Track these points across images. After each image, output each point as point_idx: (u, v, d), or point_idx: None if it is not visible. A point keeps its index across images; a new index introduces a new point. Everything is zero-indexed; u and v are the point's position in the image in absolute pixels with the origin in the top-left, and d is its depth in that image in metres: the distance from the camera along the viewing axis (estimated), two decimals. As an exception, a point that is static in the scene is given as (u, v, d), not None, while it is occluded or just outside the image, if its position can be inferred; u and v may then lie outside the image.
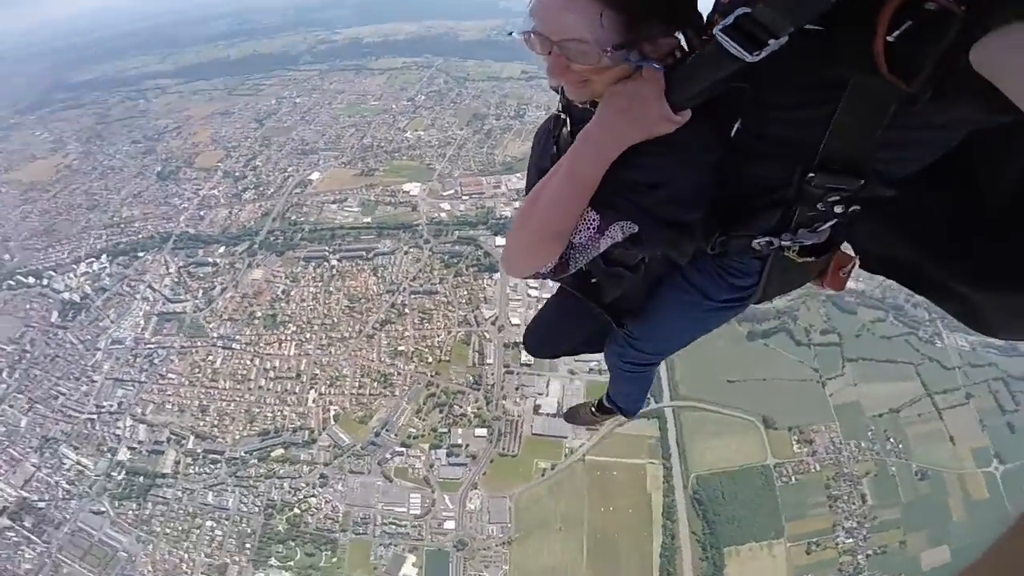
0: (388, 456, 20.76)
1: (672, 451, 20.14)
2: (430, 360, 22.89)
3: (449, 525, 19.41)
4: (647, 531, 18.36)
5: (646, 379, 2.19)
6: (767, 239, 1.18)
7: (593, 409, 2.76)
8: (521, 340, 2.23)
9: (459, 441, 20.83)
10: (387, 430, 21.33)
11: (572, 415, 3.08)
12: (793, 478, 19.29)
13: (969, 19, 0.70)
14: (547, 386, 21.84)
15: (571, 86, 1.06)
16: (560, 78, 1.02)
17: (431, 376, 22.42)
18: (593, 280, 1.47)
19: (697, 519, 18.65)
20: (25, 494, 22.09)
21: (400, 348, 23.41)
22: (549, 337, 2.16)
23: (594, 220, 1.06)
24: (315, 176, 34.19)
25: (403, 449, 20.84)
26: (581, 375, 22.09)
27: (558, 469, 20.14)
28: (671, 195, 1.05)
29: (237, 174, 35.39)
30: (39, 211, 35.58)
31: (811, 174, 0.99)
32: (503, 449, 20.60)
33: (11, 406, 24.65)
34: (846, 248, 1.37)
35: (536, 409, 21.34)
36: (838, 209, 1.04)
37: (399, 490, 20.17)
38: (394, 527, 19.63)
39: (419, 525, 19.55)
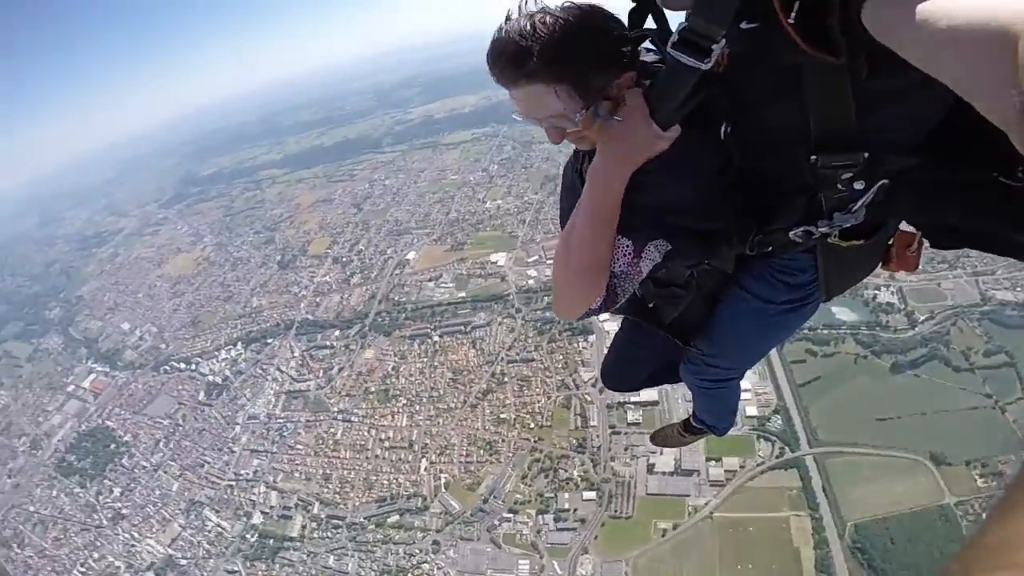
0: (496, 522, 24.70)
1: (820, 501, 21.15)
2: (532, 426, 27.31)
3: None
4: (797, 587, 19.32)
5: (731, 394, 2.51)
6: (803, 229, 1.36)
7: (680, 429, 3.10)
8: (599, 376, 2.56)
9: (566, 505, 24.12)
10: (495, 496, 25.55)
11: (659, 437, 3.40)
12: (984, 515, 19.18)
13: None
14: None
15: (573, 143, 1.40)
16: (559, 142, 1.35)
17: (534, 442, 26.65)
18: (650, 305, 1.78)
19: (861, 569, 19.24)
20: (171, 551, 29.24)
21: (502, 416, 28.34)
22: (624, 370, 2.45)
23: (628, 246, 1.31)
24: (411, 256, 43.29)
25: (511, 515, 24.68)
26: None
27: (681, 529, 22.17)
28: (686, 206, 1.30)
29: (344, 259, 45.82)
30: (186, 304, 48.59)
31: (813, 156, 1.17)
32: (615, 511, 23.41)
33: (165, 472, 33.26)
34: (907, 228, 1.52)
35: (650, 468, 24.12)
36: (858, 186, 1.21)
37: (508, 556, 23.67)
38: (504, 593, 22.90)
39: (528, 592, 22.60)
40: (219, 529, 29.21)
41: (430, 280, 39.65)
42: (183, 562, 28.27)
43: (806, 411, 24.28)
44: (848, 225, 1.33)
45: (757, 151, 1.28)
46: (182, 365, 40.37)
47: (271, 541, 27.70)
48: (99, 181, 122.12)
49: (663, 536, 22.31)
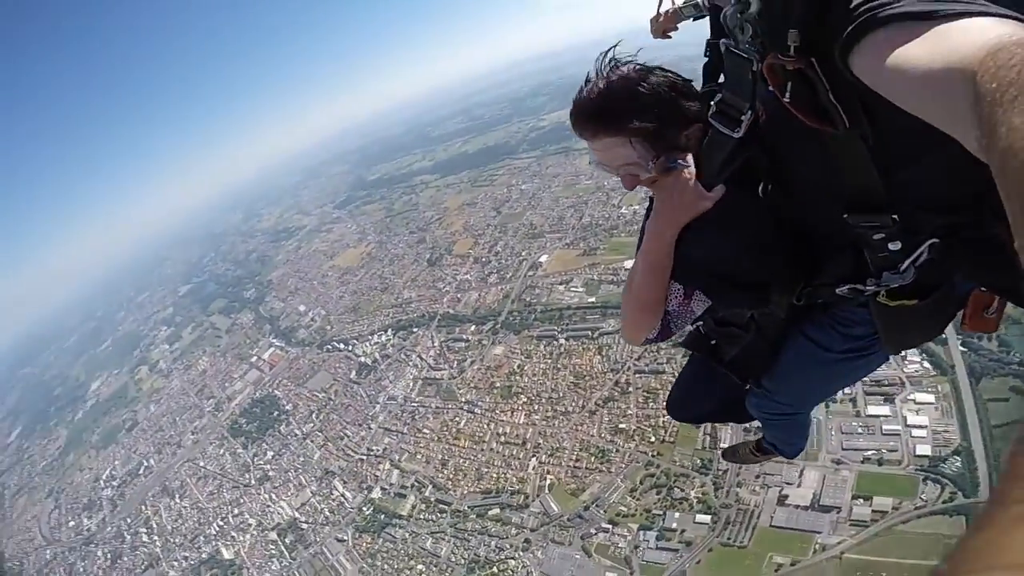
0: (592, 531, 28.06)
1: None
2: (652, 440, 30.20)
3: None
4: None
5: (798, 427, 3.03)
6: (849, 286, 1.68)
7: (752, 448, 3.77)
8: (665, 404, 3.07)
9: (674, 525, 26.28)
10: (597, 505, 28.99)
11: (731, 453, 4.16)
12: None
13: (832, 55, 1.16)
14: (800, 475, 25.34)
15: (648, 187, 1.85)
16: (632, 188, 1.86)
17: (652, 456, 29.44)
18: (712, 342, 2.30)
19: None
20: (297, 515, 38.98)
21: (621, 426, 31.83)
22: (687, 401, 2.97)
23: (679, 290, 1.83)
24: (544, 259, 50.74)
25: (609, 526, 27.83)
26: (851, 465, 24.75)
27: (801, 566, 22.71)
28: (732, 259, 1.76)
29: (484, 259, 55.60)
30: (350, 292, 63.52)
31: (846, 215, 1.47)
32: (728, 539, 24.84)
33: (311, 441, 44.51)
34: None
35: (782, 500, 24.90)
36: (892, 247, 1.50)
37: (596, 566, 26.79)
38: (582, 604, 25.88)
39: (611, 607, 25.24)
40: (342, 499, 38.42)
41: (561, 283, 46.11)
42: (304, 526, 37.94)
43: (996, 456, 22.55)
44: (896, 284, 1.61)
45: (800, 207, 1.68)
46: (341, 345, 53.56)
47: (382, 516, 35.48)
48: (288, 184, 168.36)
49: (775, 571, 23.07)
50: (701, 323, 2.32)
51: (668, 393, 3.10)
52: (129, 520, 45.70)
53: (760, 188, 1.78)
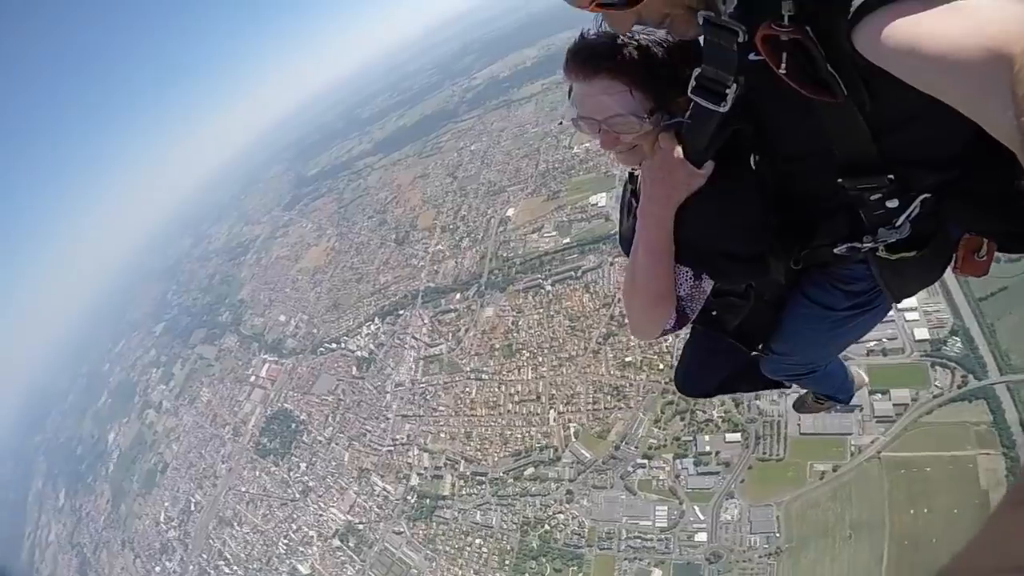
0: (630, 469, 28.60)
1: (1017, 437, 20.58)
2: (661, 367, 30.22)
3: (700, 537, 25.31)
4: (983, 533, 19.65)
5: (830, 376, 3.10)
6: (848, 244, 1.72)
7: (815, 398, 3.85)
8: (674, 382, 3.03)
9: (707, 448, 26.80)
10: (627, 443, 29.39)
11: (800, 404, 4.17)
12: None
13: (832, 26, 1.17)
14: None
15: (622, 155, 1.81)
16: (612, 149, 1.77)
17: (665, 383, 29.44)
18: (713, 313, 2.16)
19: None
20: (350, 518, 39.44)
21: (627, 359, 31.81)
22: (696, 374, 2.91)
23: (687, 272, 1.78)
24: (510, 212, 49.86)
25: (645, 461, 28.35)
26: (857, 359, 24.74)
27: (843, 471, 23.40)
28: (727, 234, 1.74)
29: (451, 227, 54.20)
30: (325, 291, 61.50)
31: (839, 179, 1.50)
32: (764, 453, 25.46)
33: (336, 444, 44.35)
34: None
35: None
36: (891, 204, 1.53)
37: (644, 503, 27.51)
38: (639, 541, 26.92)
39: (666, 538, 26.26)
40: (385, 493, 38.78)
41: (533, 232, 45.54)
42: (360, 527, 38.48)
43: (992, 330, 23.03)
44: (893, 239, 1.65)
45: (791, 175, 1.68)
46: (333, 345, 52.43)
47: (427, 500, 35.97)
48: (227, 197, 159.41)
49: (821, 479, 23.70)
50: None
51: (674, 370, 3.04)
52: (205, 556, 46.30)
53: (751, 159, 1.69)
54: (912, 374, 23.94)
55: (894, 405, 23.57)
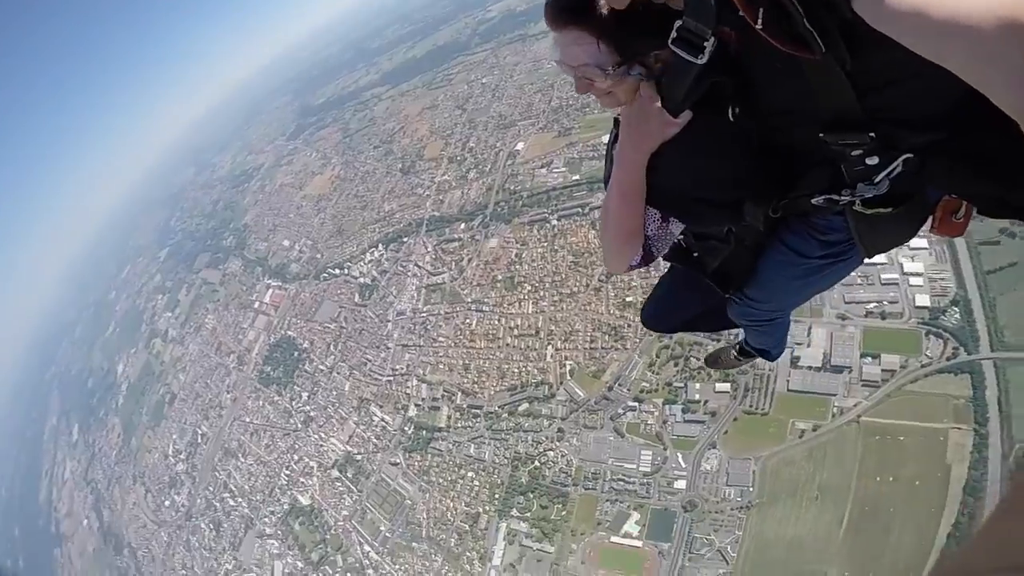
0: (620, 411, 29.00)
1: (991, 415, 20.79)
2: (660, 310, 29.98)
3: (680, 485, 25.95)
4: (936, 507, 20.12)
5: (781, 327, 3.23)
6: (825, 197, 1.76)
7: (735, 353, 3.85)
8: (641, 316, 3.17)
9: (696, 397, 26.99)
10: (620, 384, 29.61)
11: (713, 359, 4.20)
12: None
13: None
14: (808, 335, 25.28)
15: (599, 99, 1.88)
16: (585, 93, 1.87)
17: (662, 327, 29.44)
18: (694, 254, 2.38)
19: (1016, 499, 19.17)
20: (349, 448, 40.65)
21: (628, 299, 31.54)
22: (665, 310, 3.08)
23: (655, 214, 1.93)
24: (520, 146, 48.40)
25: (636, 404, 28.66)
26: (855, 320, 24.68)
27: (822, 431, 23.67)
28: (700, 181, 1.85)
29: (459, 158, 53.05)
30: (329, 216, 61.31)
31: (821, 134, 1.52)
32: (750, 406, 25.57)
33: (338, 373, 45.19)
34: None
35: (794, 362, 25.16)
36: (870, 161, 1.56)
37: (630, 446, 28.01)
38: (622, 483, 27.61)
39: (647, 483, 26.90)
40: (383, 423, 39.79)
41: (542, 167, 44.26)
42: (358, 457, 39.77)
43: (992, 305, 22.70)
44: (870, 195, 1.69)
45: (774, 128, 1.71)
46: (336, 271, 52.73)
47: (424, 432, 36.91)
48: (231, 127, 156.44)
49: (800, 437, 23.97)
50: (682, 237, 2.31)
51: (643, 307, 3.15)
52: (211, 488, 48.53)
53: (729, 111, 1.74)
54: (906, 340, 23.83)
55: (882, 370, 23.62)
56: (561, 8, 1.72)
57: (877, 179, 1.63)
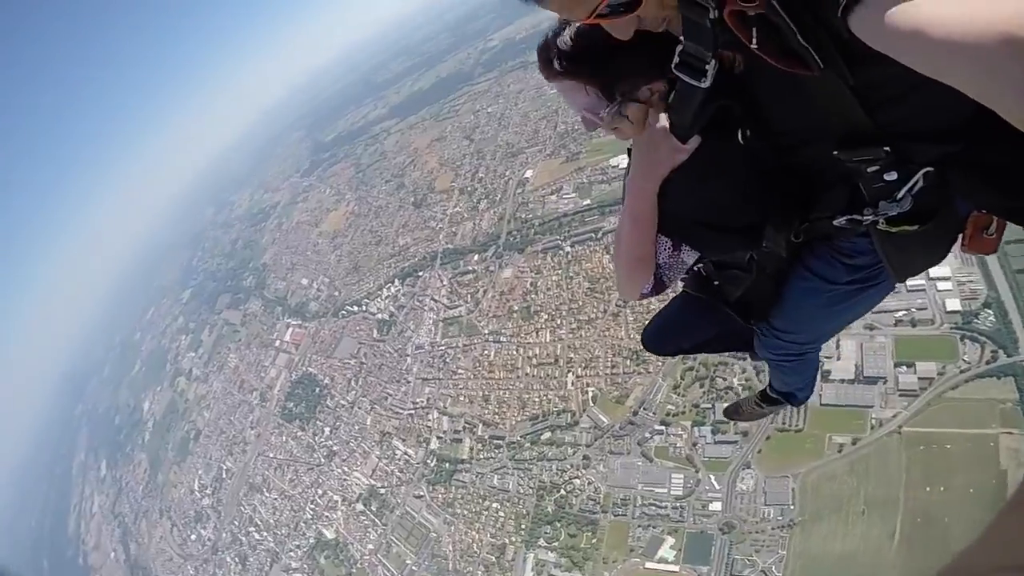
0: (647, 435, 28.37)
1: None
2: (682, 332, 29.49)
3: (715, 507, 25.15)
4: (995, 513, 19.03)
5: (809, 366, 2.97)
6: (847, 218, 1.68)
7: (757, 400, 3.57)
8: (641, 338, 2.99)
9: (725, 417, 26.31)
10: (645, 408, 29.03)
11: (734, 410, 3.92)
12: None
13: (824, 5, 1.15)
14: (837, 347, 24.52)
15: (608, 133, 1.88)
16: (591, 131, 1.95)
17: (686, 348, 28.93)
18: (715, 283, 2.28)
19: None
20: (373, 482, 40.44)
21: (647, 322, 31.05)
22: (669, 334, 2.92)
23: (667, 243, 1.91)
24: (529, 174, 48.90)
25: (663, 428, 28.02)
26: (884, 329, 23.98)
27: (862, 444, 22.90)
28: (710, 207, 1.82)
29: (469, 189, 53.68)
30: (346, 254, 62.06)
31: (835, 152, 1.48)
32: (783, 424, 24.77)
33: (359, 408, 45.31)
34: None
35: (825, 375, 24.25)
36: (888, 177, 1.50)
37: (660, 470, 27.31)
38: (654, 508, 26.86)
39: (680, 506, 26.11)
40: (406, 457, 39.59)
41: (552, 194, 44.62)
42: (382, 491, 39.50)
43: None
44: (894, 212, 1.61)
45: (787, 148, 1.68)
46: (355, 308, 53.17)
47: (447, 464, 36.56)
48: (247, 166, 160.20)
49: (839, 451, 23.21)
50: (701, 265, 2.24)
51: (644, 329, 2.99)
52: (237, 523, 48.51)
53: (739, 134, 1.72)
54: (940, 347, 23.22)
55: (919, 379, 22.94)
56: (543, 63, 1.79)
57: (899, 195, 1.57)
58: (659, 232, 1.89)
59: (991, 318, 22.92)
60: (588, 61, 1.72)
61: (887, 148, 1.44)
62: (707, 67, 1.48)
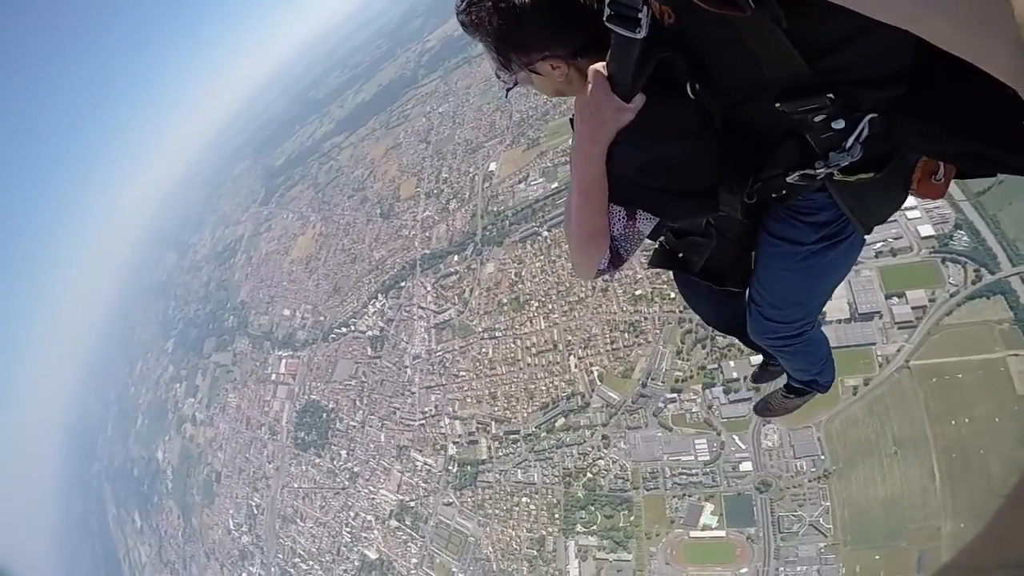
0: (661, 405, 28.29)
1: None
2: (672, 296, 29.15)
3: (746, 467, 25.22)
4: (1028, 438, 18.71)
5: (816, 346, 2.76)
6: (800, 172, 1.60)
7: (784, 393, 3.36)
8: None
9: (734, 374, 26.21)
10: (652, 379, 28.93)
11: (765, 407, 3.62)
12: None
13: None
14: None
15: (542, 92, 1.85)
16: (517, 87, 1.83)
17: (680, 312, 28.56)
18: (679, 255, 2.19)
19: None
20: (400, 496, 40.21)
21: (637, 292, 30.96)
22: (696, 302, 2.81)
23: (620, 212, 1.74)
24: (493, 167, 48.25)
25: (675, 395, 27.95)
26: (866, 263, 23.98)
27: (874, 384, 22.88)
28: (660, 168, 1.65)
29: (435, 191, 52.73)
30: (323, 276, 60.63)
31: (777, 104, 1.42)
32: None
33: (370, 427, 44.81)
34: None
35: (822, 318, 24.57)
36: (836, 125, 1.43)
37: (681, 438, 27.32)
38: (685, 477, 26.88)
39: (711, 471, 26.13)
40: (427, 467, 39.36)
41: (520, 182, 44.19)
42: (412, 504, 39.32)
43: (995, 221, 22.22)
44: (846, 163, 1.54)
45: (731, 103, 1.56)
46: (343, 329, 52.16)
47: (468, 468, 36.42)
48: (198, 203, 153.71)
49: (854, 394, 23.12)
50: (662, 238, 2.18)
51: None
52: (281, 556, 48.24)
53: (689, 89, 1.58)
54: (925, 272, 23.40)
55: (912, 308, 23.11)
56: (459, 18, 1.66)
57: (848, 144, 1.51)
58: (611, 202, 1.73)
59: (965, 238, 23.23)
60: (500, 22, 1.57)
61: (831, 95, 1.39)
62: (640, 15, 1.37)
